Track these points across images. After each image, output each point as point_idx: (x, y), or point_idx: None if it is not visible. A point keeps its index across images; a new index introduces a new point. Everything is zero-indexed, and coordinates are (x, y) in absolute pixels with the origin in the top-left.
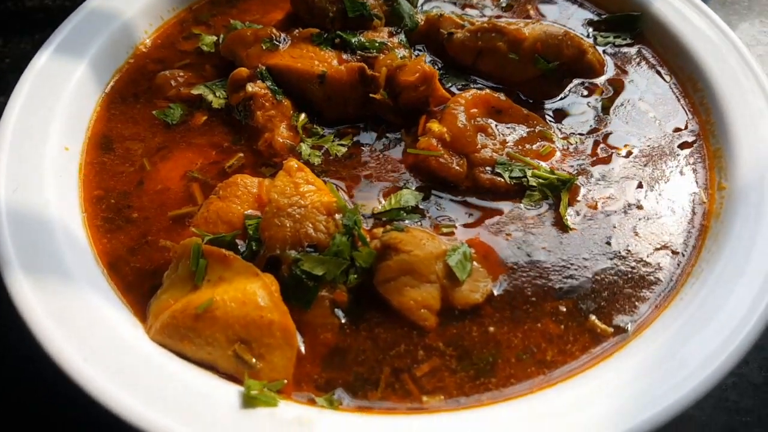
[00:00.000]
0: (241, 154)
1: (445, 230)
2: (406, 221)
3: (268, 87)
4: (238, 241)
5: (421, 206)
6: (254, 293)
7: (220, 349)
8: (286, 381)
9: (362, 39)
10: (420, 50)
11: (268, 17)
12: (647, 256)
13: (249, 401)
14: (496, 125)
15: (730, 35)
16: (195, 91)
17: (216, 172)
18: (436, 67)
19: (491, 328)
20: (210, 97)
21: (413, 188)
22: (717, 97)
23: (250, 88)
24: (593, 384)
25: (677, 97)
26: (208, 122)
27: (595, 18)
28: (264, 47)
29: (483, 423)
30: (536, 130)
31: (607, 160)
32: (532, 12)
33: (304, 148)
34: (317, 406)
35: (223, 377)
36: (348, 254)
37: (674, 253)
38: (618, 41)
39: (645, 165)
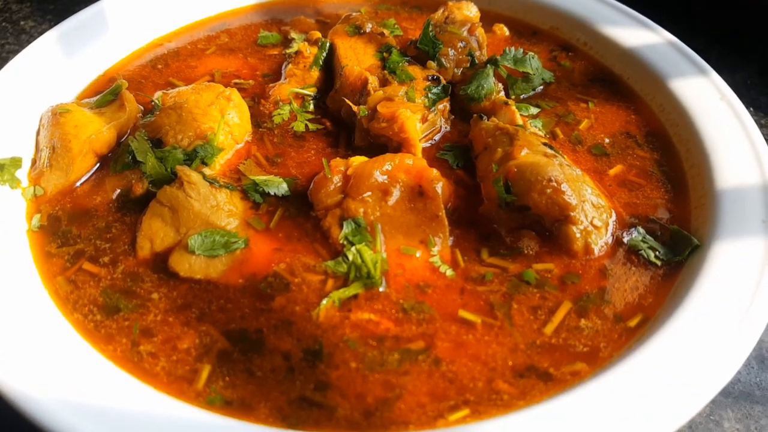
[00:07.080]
0: (253, 82)
1: (251, 222)
2: (253, 199)
3: (315, 55)
4: None
5: (273, 196)
6: (90, 128)
7: (48, 141)
8: (44, 192)
9: (404, 67)
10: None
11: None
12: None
13: None
14: (400, 199)
15: None
16: (294, 35)
17: (227, 82)
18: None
19: (154, 295)
20: (296, 43)
21: (289, 185)
22: None
23: (299, 45)
24: None
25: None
26: (273, 56)
27: (658, 223)
28: (347, 29)
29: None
30: (424, 234)
31: (447, 308)
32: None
33: (284, 108)
34: (30, 224)
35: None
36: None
37: None
38: (653, 255)
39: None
